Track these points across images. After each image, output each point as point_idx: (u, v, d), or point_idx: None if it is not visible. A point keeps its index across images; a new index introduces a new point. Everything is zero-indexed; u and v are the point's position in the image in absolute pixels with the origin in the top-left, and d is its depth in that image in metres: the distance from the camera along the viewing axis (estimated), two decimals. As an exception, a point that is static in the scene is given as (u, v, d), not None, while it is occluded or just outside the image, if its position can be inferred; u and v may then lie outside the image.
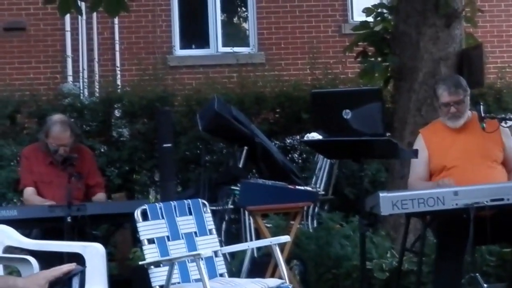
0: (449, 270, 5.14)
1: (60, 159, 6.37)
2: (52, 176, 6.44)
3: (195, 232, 5.28)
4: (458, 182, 5.26)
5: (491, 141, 5.47)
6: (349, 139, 5.31)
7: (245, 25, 12.53)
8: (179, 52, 11.92)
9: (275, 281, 5.03)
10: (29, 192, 6.48)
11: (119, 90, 9.84)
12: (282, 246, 5.41)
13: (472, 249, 5.15)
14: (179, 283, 5.05)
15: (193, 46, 12.24)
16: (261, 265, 6.15)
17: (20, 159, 7.00)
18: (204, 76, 10.48)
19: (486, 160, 5.48)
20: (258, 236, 6.39)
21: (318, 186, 7.75)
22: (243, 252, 6.31)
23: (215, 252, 5.27)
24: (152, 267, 5.00)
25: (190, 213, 5.31)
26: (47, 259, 4.91)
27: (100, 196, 6.64)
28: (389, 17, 7.84)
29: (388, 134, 7.15)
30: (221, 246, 5.50)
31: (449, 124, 5.56)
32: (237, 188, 6.73)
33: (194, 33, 12.27)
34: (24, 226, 5.71)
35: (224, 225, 7.11)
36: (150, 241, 5.09)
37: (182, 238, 5.22)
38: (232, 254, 6.50)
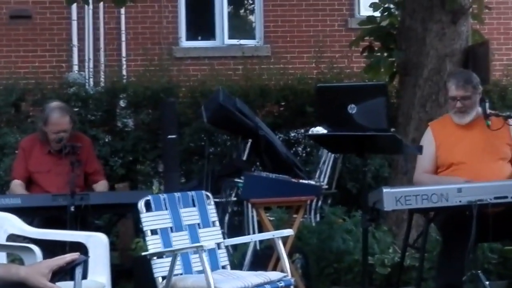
0: (452, 266, 5.14)
1: (58, 148, 6.35)
2: (51, 165, 6.42)
3: (199, 224, 5.29)
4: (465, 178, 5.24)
5: (499, 139, 5.44)
6: (353, 133, 5.30)
7: (251, 17, 12.52)
8: (185, 43, 11.91)
9: (277, 274, 5.03)
10: (16, 183, 6.45)
11: (124, 80, 9.84)
12: (284, 239, 5.42)
13: (474, 246, 5.15)
14: (181, 274, 5.06)
15: (199, 38, 12.23)
16: (263, 258, 6.15)
17: (17, 150, 6.92)
18: (210, 68, 10.47)
19: (493, 157, 5.45)
20: (261, 229, 6.39)
21: (321, 180, 7.74)
22: (246, 244, 6.31)
23: (218, 244, 5.27)
24: (154, 258, 5.01)
25: (194, 205, 5.31)
26: (50, 248, 4.93)
27: (102, 183, 6.60)
28: (396, 12, 7.83)
29: (392, 129, 7.17)
30: (224, 238, 5.50)
31: (456, 119, 5.53)
32: (241, 181, 6.74)
33: (200, 25, 12.26)
34: (27, 214, 5.71)
35: (227, 217, 7.12)
36: (153, 232, 5.09)
37: (185, 229, 5.22)
38: (235, 247, 6.50)
